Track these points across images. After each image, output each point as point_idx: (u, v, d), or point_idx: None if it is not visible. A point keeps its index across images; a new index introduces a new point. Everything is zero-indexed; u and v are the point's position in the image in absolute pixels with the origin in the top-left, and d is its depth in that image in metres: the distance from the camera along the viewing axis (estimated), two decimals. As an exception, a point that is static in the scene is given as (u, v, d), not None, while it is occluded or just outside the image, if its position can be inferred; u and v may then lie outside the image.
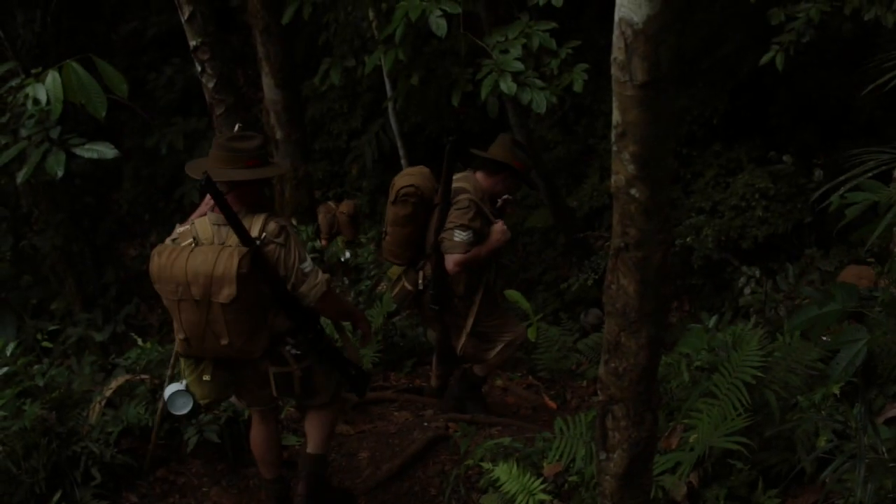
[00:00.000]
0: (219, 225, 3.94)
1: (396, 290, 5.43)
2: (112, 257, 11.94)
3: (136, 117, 11.90)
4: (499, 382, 6.66)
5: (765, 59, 6.07)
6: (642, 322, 2.19)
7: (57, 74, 4.58)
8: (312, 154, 10.99)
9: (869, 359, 3.77)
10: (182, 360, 4.18)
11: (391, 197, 5.12)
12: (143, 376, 5.17)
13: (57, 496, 4.44)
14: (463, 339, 5.28)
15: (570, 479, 4.23)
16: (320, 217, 10.27)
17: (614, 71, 1.93)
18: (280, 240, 3.93)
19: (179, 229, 4.05)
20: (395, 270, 5.47)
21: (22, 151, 4.92)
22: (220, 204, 3.77)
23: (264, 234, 3.91)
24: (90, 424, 4.80)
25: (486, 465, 4.44)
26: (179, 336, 3.98)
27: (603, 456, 2.45)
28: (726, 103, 8.44)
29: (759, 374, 4.04)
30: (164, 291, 3.91)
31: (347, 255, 7.83)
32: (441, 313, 5.34)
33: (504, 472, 4.22)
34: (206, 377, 4.08)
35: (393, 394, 6.21)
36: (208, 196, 3.94)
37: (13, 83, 4.92)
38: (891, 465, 3.23)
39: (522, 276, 9.95)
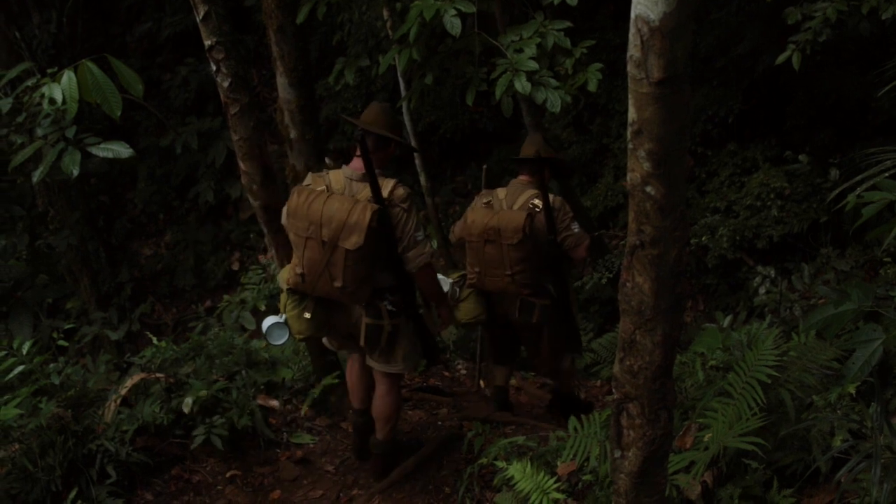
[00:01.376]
0: (351, 179, 4.45)
1: (536, 315, 5.45)
2: (127, 256, 12.00)
3: (151, 117, 11.95)
4: (513, 382, 6.65)
5: (781, 58, 6.04)
6: (657, 320, 2.19)
7: (73, 74, 4.60)
8: (327, 153, 11.00)
9: (885, 358, 3.74)
10: (286, 297, 4.55)
11: (512, 239, 5.13)
12: (159, 375, 5.20)
13: (73, 494, 4.47)
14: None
15: (585, 477, 4.22)
16: None
17: (630, 68, 1.93)
18: (405, 205, 4.39)
19: (313, 176, 4.58)
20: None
21: (38, 151, 4.94)
22: (366, 158, 4.30)
23: (392, 197, 4.37)
24: (105, 423, 4.83)
25: (500, 464, 4.44)
26: (297, 270, 4.40)
27: (618, 454, 2.45)
28: (741, 102, 8.41)
29: (775, 373, 4.02)
30: (295, 227, 4.36)
31: None
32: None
33: (518, 471, 4.22)
34: (307, 314, 4.52)
35: (407, 392, 6.21)
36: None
37: (29, 83, 4.93)
38: (907, 465, 3.22)
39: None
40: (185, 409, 4.91)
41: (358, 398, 5.03)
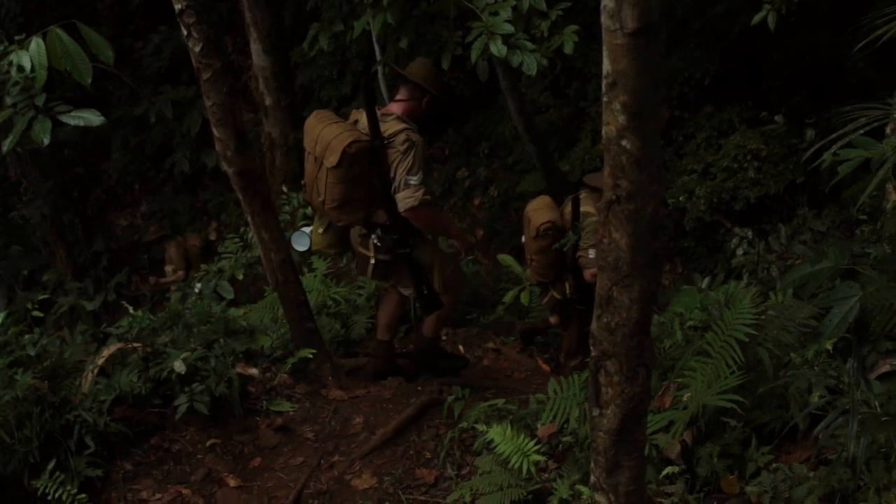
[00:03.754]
0: (379, 119, 4.85)
1: (546, 299, 6.19)
2: (102, 227, 11.91)
3: (124, 86, 11.81)
4: (491, 345, 6.67)
5: (756, 18, 6.01)
6: (634, 276, 2.17)
7: (41, 41, 4.53)
8: (302, 121, 10.92)
9: (861, 315, 3.75)
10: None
11: (531, 232, 5.86)
12: (136, 344, 5.16)
13: (51, 465, 4.44)
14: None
15: (564, 439, 4.25)
16: (171, 251, 10.56)
17: (604, 19, 1.90)
18: (402, 148, 4.77)
19: (354, 112, 5.06)
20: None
21: (7, 120, 4.87)
22: (368, 97, 4.83)
23: (392, 140, 4.79)
24: (83, 393, 4.80)
25: (481, 427, 4.46)
26: (302, 181, 5.11)
27: (596, 412, 2.44)
28: (717, 64, 8.39)
29: (753, 331, 4.04)
30: (305, 143, 4.97)
31: (199, 286, 7.83)
32: (584, 312, 5.89)
33: (498, 434, 4.24)
34: (320, 230, 5.22)
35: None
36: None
37: (-4, 51, 4.85)
38: (883, 419, 3.24)
39: (515, 240, 9.92)
40: (179, 370, 4.86)
41: (381, 328, 5.70)
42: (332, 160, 4.70)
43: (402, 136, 4.78)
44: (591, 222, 5.61)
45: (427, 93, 5.06)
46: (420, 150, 4.83)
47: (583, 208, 5.73)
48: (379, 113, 4.88)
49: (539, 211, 5.89)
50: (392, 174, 4.80)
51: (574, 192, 5.96)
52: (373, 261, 5.11)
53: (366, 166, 4.78)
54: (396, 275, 5.25)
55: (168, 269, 10.83)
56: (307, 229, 5.33)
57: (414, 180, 4.78)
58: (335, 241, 5.25)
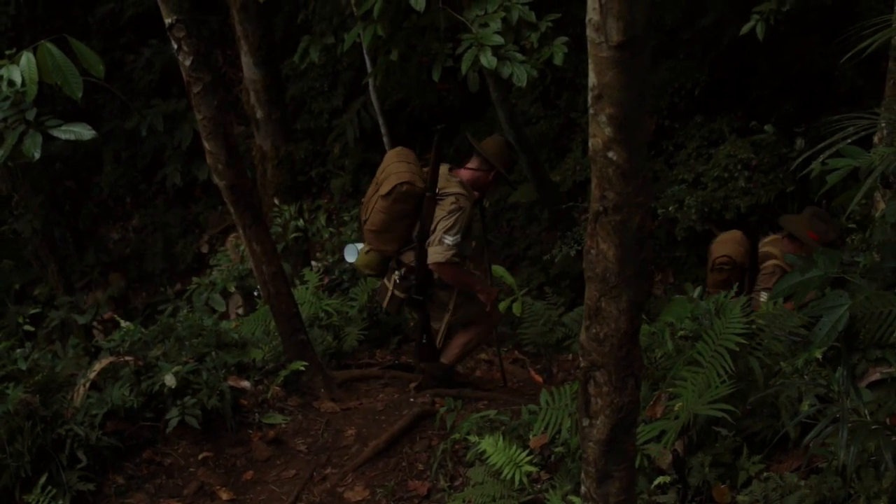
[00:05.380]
0: (445, 174, 5.29)
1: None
2: (94, 240, 11.89)
3: (115, 100, 11.83)
4: (484, 356, 6.67)
5: (745, 28, 6.05)
6: (622, 286, 2.18)
7: (31, 55, 4.53)
8: (294, 133, 10.94)
9: (851, 324, 3.77)
10: None
11: (709, 265, 5.92)
12: (128, 357, 5.15)
13: (43, 479, 4.43)
14: None
15: (556, 450, 4.24)
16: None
17: (589, 32, 1.92)
18: (447, 208, 5.14)
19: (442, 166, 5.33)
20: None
21: (-2, 134, 4.88)
22: (436, 151, 5.10)
23: (444, 197, 5.17)
24: (75, 407, 4.79)
25: (473, 439, 4.45)
26: (362, 200, 5.59)
27: (586, 422, 2.44)
28: (707, 75, 8.43)
29: (743, 340, 4.04)
30: (378, 169, 5.41)
31: None
32: None
33: (490, 445, 4.23)
34: (365, 251, 5.51)
35: (379, 371, 6.20)
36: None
37: (-13, 65, 4.85)
38: (873, 427, 3.25)
39: (507, 251, 9.95)
40: (170, 384, 4.86)
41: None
42: (384, 189, 5.16)
43: (453, 198, 5.16)
44: (769, 265, 5.60)
45: (494, 168, 5.44)
46: (465, 216, 5.20)
47: (763, 249, 5.72)
48: (447, 169, 5.32)
49: (722, 244, 5.87)
50: (433, 227, 5.16)
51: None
52: (390, 293, 5.46)
53: (411, 209, 5.21)
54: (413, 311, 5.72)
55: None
56: (360, 245, 5.67)
57: (449, 240, 5.12)
58: (374, 264, 5.50)
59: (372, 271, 5.58)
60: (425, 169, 5.25)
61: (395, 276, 5.41)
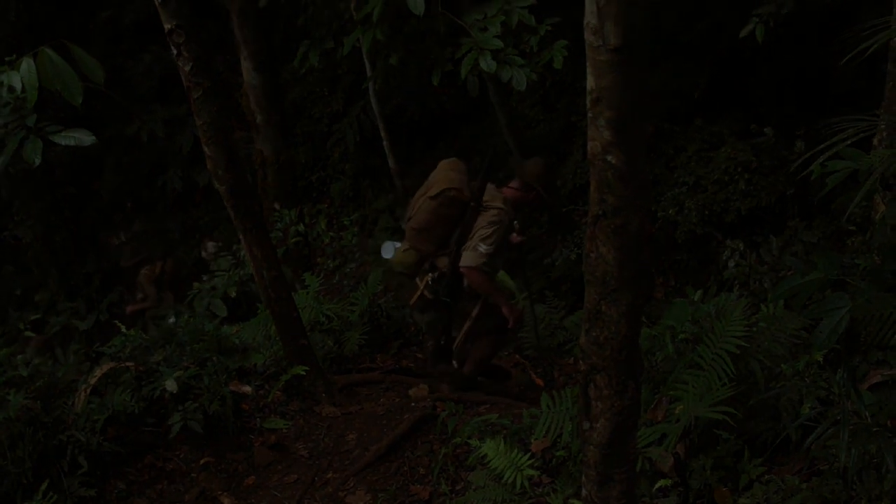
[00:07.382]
0: (491, 189, 5.57)
1: None
2: (95, 246, 11.87)
3: (116, 105, 11.80)
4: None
5: (744, 31, 6.06)
6: (622, 290, 2.18)
7: (31, 61, 4.53)
8: (294, 138, 10.94)
9: (851, 326, 3.78)
10: None
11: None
12: (128, 363, 5.15)
13: (44, 485, 4.42)
14: None
15: (558, 453, 4.24)
16: (140, 278, 10.48)
17: (587, 36, 1.92)
18: (489, 218, 5.42)
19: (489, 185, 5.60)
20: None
21: (-2, 140, 4.89)
22: (487, 168, 5.54)
23: (488, 210, 5.44)
24: (76, 413, 4.78)
25: (474, 443, 4.45)
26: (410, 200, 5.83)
27: (587, 426, 2.44)
28: (707, 77, 8.41)
29: (744, 343, 4.04)
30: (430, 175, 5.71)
31: (173, 319, 7.83)
32: None
33: (492, 449, 4.23)
34: (402, 250, 5.73)
35: (380, 375, 6.20)
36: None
37: (-13, 72, 4.85)
38: (874, 429, 3.25)
39: (507, 255, 9.92)
40: (172, 389, 4.86)
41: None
42: (433, 192, 5.49)
43: (495, 210, 5.44)
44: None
45: (535, 190, 5.68)
46: (502, 230, 5.46)
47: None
48: (493, 186, 5.61)
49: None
50: (471, 234, 5.42)
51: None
52: (419, 293, 5.66)
53: (454, 214, 5.49)
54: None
55: (138, 296, 10.79)
56: (398, 244, 5.84)
57: (483, 248, 5.38)
58: (409, 264, 5.69)
59: (405, 270, 5.73)
60: (472, 182, 5.53)
61: (428, 277, 5.62)
